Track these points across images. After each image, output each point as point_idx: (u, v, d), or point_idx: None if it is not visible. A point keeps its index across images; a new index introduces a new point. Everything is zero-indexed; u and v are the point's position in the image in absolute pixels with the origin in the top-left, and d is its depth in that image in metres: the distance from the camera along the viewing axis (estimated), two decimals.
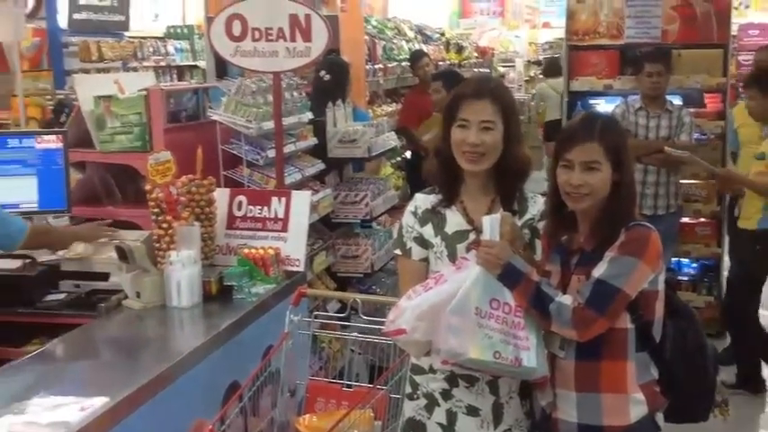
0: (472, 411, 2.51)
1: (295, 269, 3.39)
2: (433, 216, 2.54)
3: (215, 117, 3.89)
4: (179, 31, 9.88)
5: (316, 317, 2.93)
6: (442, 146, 2.52)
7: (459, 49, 10.18)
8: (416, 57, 7.61)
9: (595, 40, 6.01)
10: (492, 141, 2.43)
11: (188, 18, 10.14)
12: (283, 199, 3.47)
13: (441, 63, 9.07)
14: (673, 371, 2.41)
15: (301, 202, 3.49)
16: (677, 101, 5.64)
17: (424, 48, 8.99)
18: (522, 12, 17.43)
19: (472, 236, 2.48)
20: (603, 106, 6.17)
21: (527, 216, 2.54)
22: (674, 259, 5.95)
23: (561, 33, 16.08)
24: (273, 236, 3.44)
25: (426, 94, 6.75)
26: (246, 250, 3.31)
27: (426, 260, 2.54)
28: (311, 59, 3.70)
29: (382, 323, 2.49)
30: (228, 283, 3.19)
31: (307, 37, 3.62)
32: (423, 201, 2.57)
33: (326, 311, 3.50)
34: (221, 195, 3.45)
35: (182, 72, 9.86)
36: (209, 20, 5.99)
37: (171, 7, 10.52)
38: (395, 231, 3.45)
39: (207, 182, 3.28)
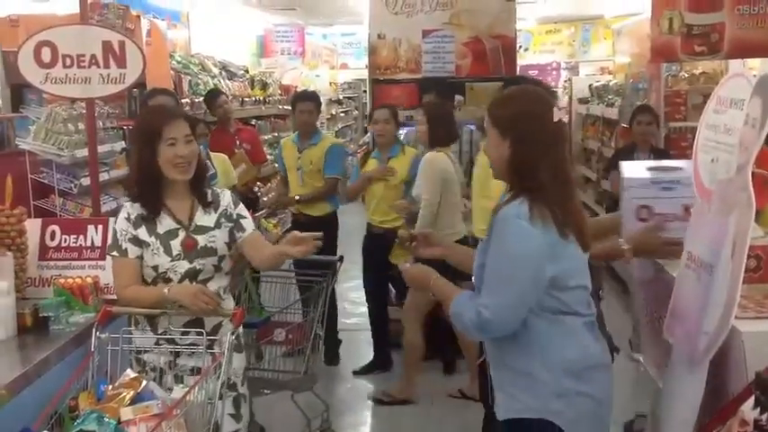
0: (196, 372, 2.93)
1: (114, 297, 3.33)
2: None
3: (24, 146, 3.77)
4: None
5: (124, 332, 2.92)
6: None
7: (264, 86, 10.32)
8: (213, 96, 7.28)
9: (396, 74, 6.36)
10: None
11: None
12: (100, 226, 3.41)
13: (246, 99, 9.16)
14: None
15: None
16: (472, 128, 6.10)
17: (229, 84, 9.05)
18: (321, 53, 17.92)
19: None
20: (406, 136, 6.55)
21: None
22: None
23: (359, 74, 16.89)
24: (91, 264, 3.38)
25: (227, 132, 6.80)
26: (63, 280, 3.23)
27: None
28: (126, 86, 3.68)
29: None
30: (44, 315, 3.09)
31: (121, 63, 3.60)
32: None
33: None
34: (32, 226, 3.34)
35: None
36: (5, 54, 5.82)
37: None
38: None
39: (17, 212, 3.18)
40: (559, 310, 2.46)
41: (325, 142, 6.00)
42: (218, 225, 3.07)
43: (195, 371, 3.01)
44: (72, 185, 3.85)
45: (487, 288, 2.44)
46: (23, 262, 3.22)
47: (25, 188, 3.77)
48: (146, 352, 3.00)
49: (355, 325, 6.56)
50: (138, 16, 5.78)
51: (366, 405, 5.43)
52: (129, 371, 2.69)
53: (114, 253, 3.02)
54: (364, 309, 6.23)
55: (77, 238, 3.40)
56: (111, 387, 2.61)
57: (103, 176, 4.05)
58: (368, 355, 6.01)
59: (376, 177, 5.54)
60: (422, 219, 4.95)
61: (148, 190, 3.00)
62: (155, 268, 3.01)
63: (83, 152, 3.82)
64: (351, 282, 7.09)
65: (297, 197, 5.88)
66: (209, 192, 3.11)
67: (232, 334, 2.81)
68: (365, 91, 10.32)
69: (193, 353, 2.99)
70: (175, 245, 2.99)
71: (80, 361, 2.81)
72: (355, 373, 5.80)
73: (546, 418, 2.44)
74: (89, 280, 3.24)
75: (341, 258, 4.35)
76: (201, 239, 3.03)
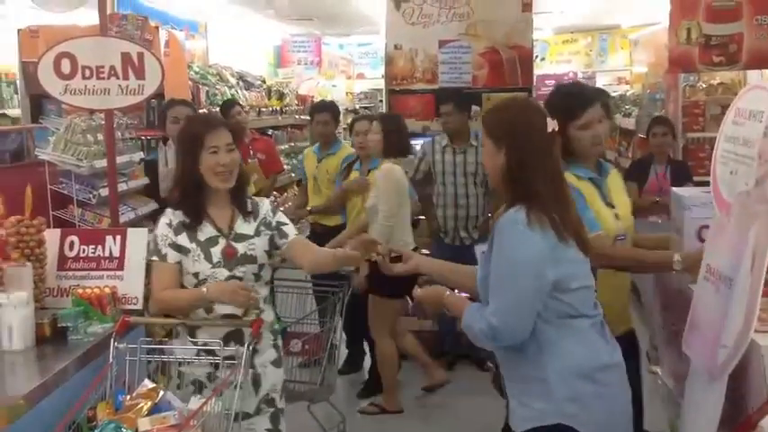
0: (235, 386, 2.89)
1: (133, 307, 3.34)
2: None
3: (44, 157, 3.80)
4: None
5: (141, 343, 2.93)
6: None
7: (281, 96, 10.36)
8: (228, 106, 7.21)
9: (412, 84, 6.37)
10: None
11: None
12: (118, 237, 3.43)
13: (263, 109, 9.20)
14: None
15: (138, 240, 3.45)
16: None
17: (246, 94, 9.10)
18: (337, 63, 17.99)
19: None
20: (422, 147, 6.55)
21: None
22: None
23: (375, 84, 16.91)
24: (109, 275, 3.39)
25: (241, 142, 6.81)
26: (81, 290, 3.24)
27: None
28: (144, 97, 3.71)
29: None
30: (63, 325, 3.11)
31: (140, 75, 3.64)
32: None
33: None
34: (51, 236, 3.36)
35: None
36: (25, 64, 5.89)
37: None
38: None
39: (36, 222, 3.20)
40: (567, 314, 2.49)
41: (343, 152, 6.01)
42: (257, 233, 3.11)
43: (234, 385, 3.00)
44: (91, 196, 3.89)
45: (493, 296, 2.47)
46: (42, 272, 3.24)
47: (44, 198, 3.81)
48: (187, 364, 3.00)
49: None
50: (157, 27, 5.83)
51: (383, 416, 5.41)
52: (146, 381, 2.71)
53: (154, 258, 3.07)
54: None
55: (96, 249, 3.41)
56: (129, 397, 2.63)
57: (122, 187, 4.08)
58: None
59: (353, 190, 5.51)
60: (380, 231, 4.80)
61: (191, 197, 3.06)
62: (195, 275, 3.05)
63: (101, 163, 3.85)
64: None
65: (309, 209, 5.91)
66: (249, 201, 3.17)
67: (249, 345, 2.82)
68: (381, 101, 10.34)
69: (231, 365, 2.98)
70: (216, 252, 3.04)
71: (98, 371, 2.83)
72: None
73: (562, 422, 2.46)
74: (107, 290, 3.25)
75: (357, 269, 4.35)
76: (241, 247, 3.06)
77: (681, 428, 2.68)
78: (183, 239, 3.05)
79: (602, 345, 2.57)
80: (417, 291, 2.78)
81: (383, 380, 5.34)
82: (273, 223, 3.15)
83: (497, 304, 2.45)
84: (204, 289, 2.97)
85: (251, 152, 6.94)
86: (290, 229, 3.19)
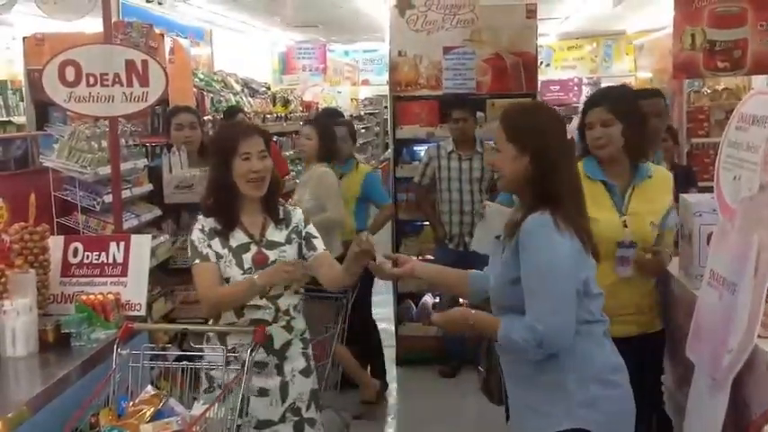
0: (262, 393, 3.06)
1: (136, 314, 3.35)
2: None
3: (48, 163, 3.81)
4: None
5: (145, 349, 2.92)
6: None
7: (286, 103, 10.36)
8: (231, 113, 7.35)
9: (417, 90, 6.37)
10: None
11: None
12: (122, 243, 3.44)
13: (268, 116, 9.20)
14: None
15: (141, 247, 3.46)
16: (493, 145, 6.08)
17: (251, 101, 9.11)
18: (342, 69, 18.02)
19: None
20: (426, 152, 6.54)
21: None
22: None
23: (379, 90, 16.92)
24: (113, 281, 3.40)
25: None
26: (84, 296, 3.25)
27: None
28: (149, 104, 3.72)
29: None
30: (66, 331, 3.11)
31: (144, 82, 3.64)
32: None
33: None
34: (55, 243, 3.37)
35: None
36: (30, 72, 5.91)
37: None
38: None
39: (40, 229, 3.21)
40: (586, 320, 2.50)
41: (361, 172, 5.81)
42: (288, 241, 3.14)
43: (262, 392, 3.06)
44: (95, 203, 3.89)
45: (532, 301, 2.44)
46: (46, 279, 3.25)
47: (48, 205, 3.81)
48: (216, 368, 2.96)
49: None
50: (162, 34, 5.84)
51: (387, 422, 5.41)
52: (149, 387, 2.70)
53: (197, 261, 3.07)
54: (384, 326, 6.22)
55: (99, 255, 3.42)
56: (131, 403, 2.63)
57: (126, 194, 4.08)
58: (391, 370, 6.01)
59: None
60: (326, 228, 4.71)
61: (224, 204, 3.08)
62: (227, 280, 3.06)
63: (105, 170, 3.85)
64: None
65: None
66: (282, 208, 3.19)
67: (251, 351, 2.82)
68: (386, 107, 10.36)
69: (260, 372, 3.03)
70: (247, 258, 3.06)
71: (101, 377, 2.82)
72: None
73: (579, 427, 2.47)
74: (111, 297, 3.26)
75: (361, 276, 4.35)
76: (272, 254, 3.09)
77: None
78: (216, 245, 3.07)
79: (611, 348, 2.61)
80: (435, 316, 2.76)
81: (353, 376, 5.30)
82: (304, 233, 3.18)
83: (539, 309, 2.41)
84: (256, 277, 2.97)
85: None
86: (319, 243, 3.21)
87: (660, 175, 3.26)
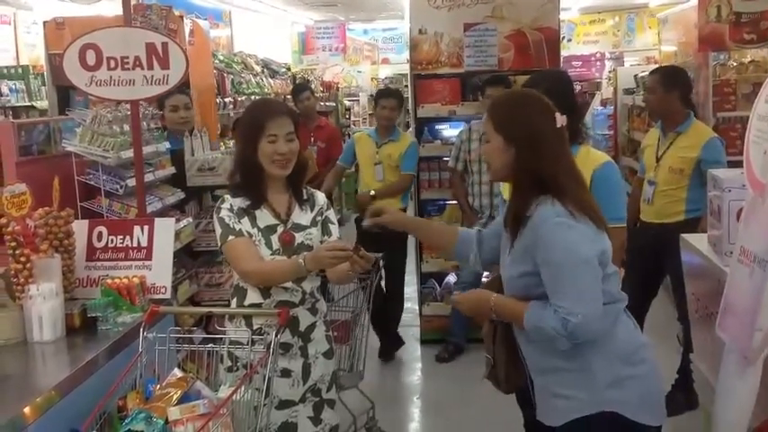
0: (285, 374, 3.06)
1: (161, 297, 3.36)
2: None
3: (70, 148, 3.81)
4: (12, 71, 9.48)
5: (171, 332, 2.92)
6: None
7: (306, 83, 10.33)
8: (299, 90, 7.62)
9: (438, 68, 6.31)
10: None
11: (22, 59, 9.76)
12: (146, 227, 3.44)
13: (288, 97, 9.19)
14: None
15: (165, 230, 3.47)
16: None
17: (271, 82, 9.09)
18: (362, 48, 17.93)
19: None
20: (448, 131, 6.50)
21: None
22: None
23: (400, 69, 16.83)
24: (137, 265, 3.40)
25: (305, 127, 6.86)
26: (110, 280, 3.26)
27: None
28: (170, 87, 3.70)
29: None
30: (92, 315, 3.12)
31: (165, 65, 3.62)
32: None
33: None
34: (79, 227, 3.37)
35: (17, 113, 9.43)
36: (51, 56, 5.92)
37: (2, 48, 10.08)
38: None
39: (65, 213, 3.21)
40: (605, 302, 2.47)
41: (406, 139, 6.12)
42: (314, 223, 3.14)
43: (285, 372, 3.06)
44: (118, 186, 3.89)
45: (560, 293, 2.41)
46: (71, 263, 3.26)
47: (72, 190, 3.82)
48: (241, 349, 2.95)
49: (402, 320, 6.55)
50: (181, 16, 5.82)
51: (413, 402, 5.41)
52: (176, 370, 2.71)
53: (230, 237, 3.02)
54: (409, 305, 6.22)
55: (124, 239, 3.43)
56: (158, 386, 2.64)
57: (149, 177, 4.07)
58: (415, 350, 6.01)
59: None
60: None
61: (251, 182, 3.06)
62: None
63: (128, 153, 3.85)
64: None
65: (372, 192, 5.91)
66: (305, 190, 3.18)
67: (276, 334, 2.81)
68: (407, 86, 10.29)
69: (284, 353, 3.03)
70: (275, 239, 3.05)
71: (128, 361, 2.84)
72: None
73: (605, 409, 2.46)
74: (136, 280, 3.27)
75: (383, 256, 4.33)
76: (299, 236, 3.08)
77: (714, 413, 2.64)
78: (245, 224, 3.05)
79: (633, 326, 2.61)
80: (454, 296, 2.74)
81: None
82: (323, 217, 3.18)
83: (570, 300, 2.39)
84: (301, 260, 2.92)
85: (311, 139, 7.00)
86: (335, 230, 3.19)
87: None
